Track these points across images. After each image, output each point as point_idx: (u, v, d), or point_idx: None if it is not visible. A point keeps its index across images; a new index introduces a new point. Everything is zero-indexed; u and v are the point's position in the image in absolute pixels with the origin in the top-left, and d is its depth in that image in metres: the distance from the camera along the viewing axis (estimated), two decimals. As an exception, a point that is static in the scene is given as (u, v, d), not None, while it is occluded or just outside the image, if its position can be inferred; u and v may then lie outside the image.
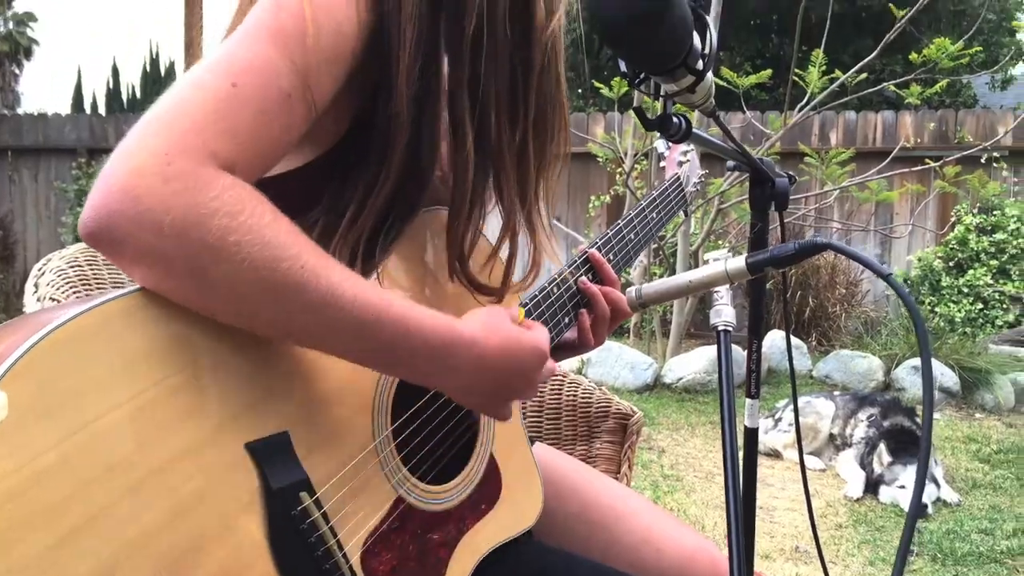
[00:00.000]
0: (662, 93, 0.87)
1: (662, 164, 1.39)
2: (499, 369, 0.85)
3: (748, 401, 1.34)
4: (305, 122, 0.78)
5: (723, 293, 0.94)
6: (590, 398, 1.38)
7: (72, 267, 1.22)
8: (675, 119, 0.88)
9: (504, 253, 1.00)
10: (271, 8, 0.76)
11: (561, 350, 1.18)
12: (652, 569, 1.16)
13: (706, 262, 0.97)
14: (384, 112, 0.85)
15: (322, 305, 0.72)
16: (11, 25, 28.14)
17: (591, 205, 7.52)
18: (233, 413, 0.73)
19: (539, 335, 0.89)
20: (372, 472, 0.87)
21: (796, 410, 1.37)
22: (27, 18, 28.32)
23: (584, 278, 1.12)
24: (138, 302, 0.69)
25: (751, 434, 1.36)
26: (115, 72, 13.31)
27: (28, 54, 29.19)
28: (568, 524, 1.18)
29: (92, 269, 1.25)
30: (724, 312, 0.92)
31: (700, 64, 0.84)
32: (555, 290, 1.09)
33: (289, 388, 0.79)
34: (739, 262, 0.94)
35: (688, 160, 1.38)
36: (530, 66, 0.89)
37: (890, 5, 4.63)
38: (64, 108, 13.07)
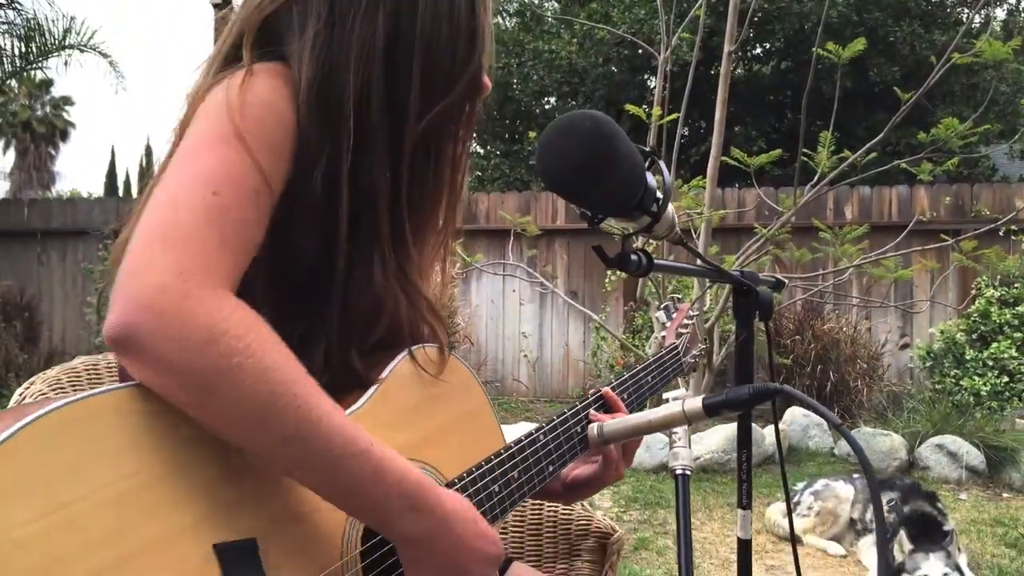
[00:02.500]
0: (620, 232, 0.90)
1: (662, 334, 1.43)
2: (462, 550, 0.86)
3: (740, 512, 1.32)
4: (268, 215, 0.83)
5: (681, 434, 0.94)
6: (570, 515, 1.37)
7: (54, 389, 1.25)
8: (634, 256, 0.90)
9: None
10: (222, 112, 0.82)
11: (580, 487, 1.19)
12: None
13: (666, 400, 0.98)
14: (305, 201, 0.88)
15: (308, 435, 0.75)
16: (48, 109, 29.18)
17: (607, 281, 7.54)
18: (208, 511, 0.76)
19: (498, 544, 0.90)
20: None
21: (790, 507, 1.35)
22: (64, 102, 29.41)
23: (593, 411, 1.16)
24: (128, 397, 0.74)
25: (744, 545, 1.34)
26: (148, 151, 13.74)
27: (64, 136, 30.22)
28: None
29: (76, 389, 1.28)
30: (681, 455, 0.92)
31: (655, 206, 0.86)
32: (560, 424, 1.10)
33: (264, 495, 0.81)
34: (696, 403, 0.94)
35: (688, 331, 1.41)
36: (400, 159, 0.91)
37: (895, 88, 4.69)
38: (98, 186, 13.42)
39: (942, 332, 7.25)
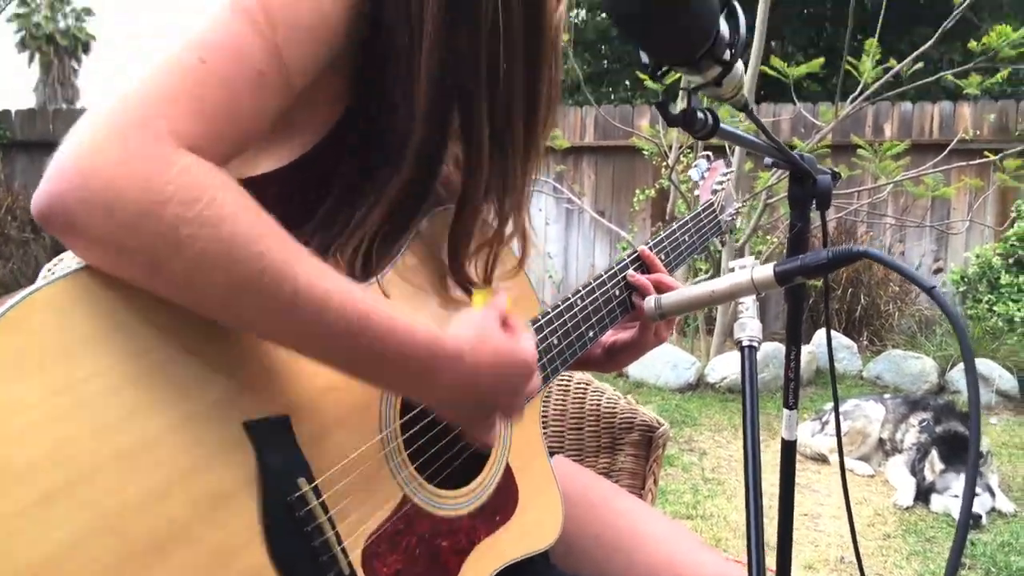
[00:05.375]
0: (684, 86, 0.80)
1: (696, 192, 1.33)
2: (485, 385, 0.80)
3: (786, 412, 1.26)
4: (280, 103, 0.73)
5: (748, 305, 0.87)
6: (614, 408, 1.31)
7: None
8: (700, 114, 0.81)
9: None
10: None
11: (619, 352, 1.15)
12: None
13: (731, 270, 0.90)
14: (387, 110, 0.80)
15: (287, 308, 0.67)
16: (71, 20, 28.89)
17: (636, 199, 7.40)
18: (233, 390, 0.70)
19: (528, 347, 0.84)
20: (377, 466, 0.82)
21: (838, 418, 1.29)
22: (85, 12, 29.08)
23: (633, 272, 1.11)
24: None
25: (788, 447, 1.28)
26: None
27: (87, 49, 30.00)
28: (585, 548, 1.12)
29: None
30: (749, 326, 0.85)
31: (728, 54, 0.77)
32: (598, 287, 1.05)
33: (293, 372, 0.75)
34: (766, 271, 0.86)
35: (723, 188, 1.32)
36: (541, 57, 0.83)
37: (947, -8, 4.45)
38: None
39: (977, 256, 7.08)
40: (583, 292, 1.05)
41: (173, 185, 0.62)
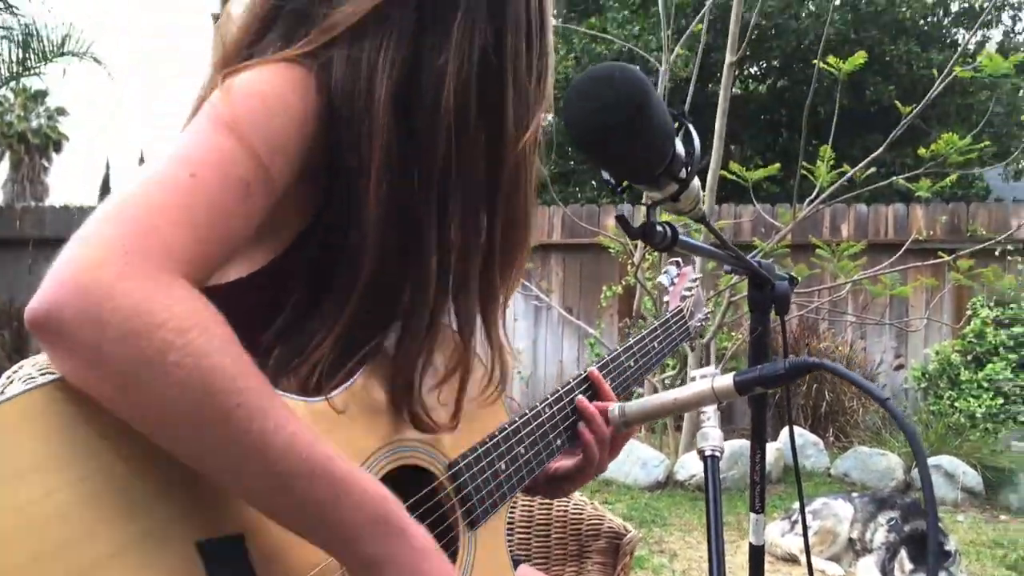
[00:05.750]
0: (645, 201, 0.84)
1: (666, 298, 1.37)
2: (419, 568, 0.76)
3: (753, 517, 1.26)
4: (264, 209, 0.76)
5: (710, 414, 0.88)
6: (581, 514, 1.30)
7: (43, 373, 1.18)
8: (659, 228, 0.85)
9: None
10: (223, 98, 0.75)
11: (562, 480, 1.12)
12: None
13: (692, 379, 0.92)
14: (342, 227, 0.81)
15: (249, 451, 0.67)
16: (43, 120, 29.14)
17: (603, 296, 7.49)
18: (187, 508, 0.69)
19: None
20: None
21: (804, 521, 1.29)
22: (58, 112, 29.37)
23: (581, 396, 1.07)
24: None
25: (756, 552, 1.28)
26: (142, 162, 13.68)
27: (58, 148, 30.16)
28: None
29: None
30: (711, 435, 0.86)
31: (684, 172, 0.81)
32: (547, 409, 1.03)
33: None
34: (727, 381, 0.89)
35: (692, 294, 1.35)
36: (498, 201, 0.86)
37: (895, 103, 4.67)
38: (91, 199, 13.36)
39: (937, 353, 7.21)
40: (551, 399, 1.04)
41: (169, 311, 0.63)
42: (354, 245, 0.81)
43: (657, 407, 0.97)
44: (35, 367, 1.26)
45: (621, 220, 0.82)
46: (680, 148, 0.81)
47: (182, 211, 0.68)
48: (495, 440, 0.97)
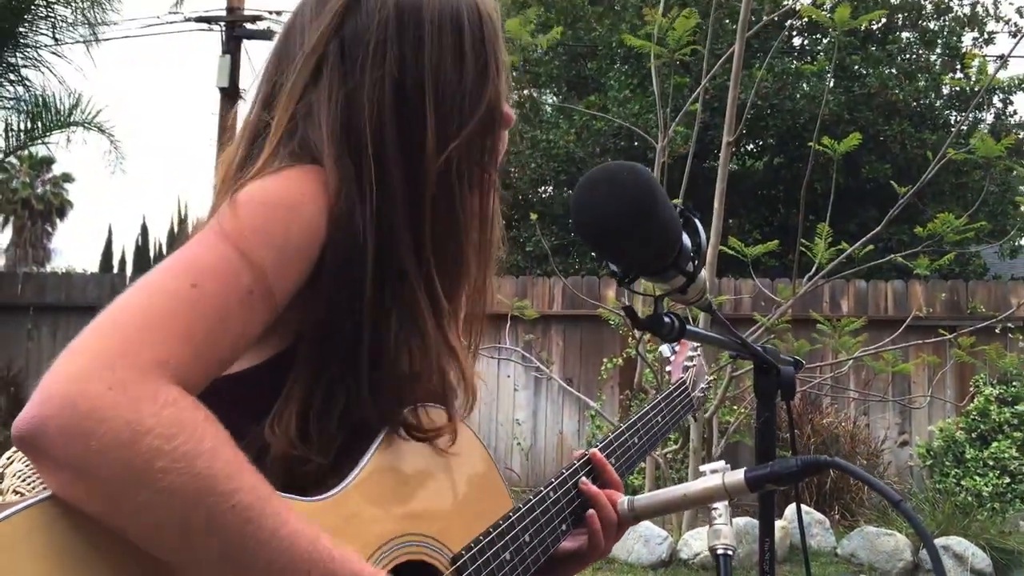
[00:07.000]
0: (653, 293, 0.85)
1: (668, 368, 1.37)
2: None
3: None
4: (266, 319, 0.76)
5: (721, 511, 0.87)
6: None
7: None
8: (667, 318, 0.85)
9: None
10: (231, 210, 0.76)
11: (564, 563, 1.09)
12: None
13: (703, 474, 0.91)
14: (345, 317, 0.81)
15: (248, 551, 0.66)
16: (48, 187, 29.50)
17: (603, 368, 7.47)
18: None
19: None
20: None
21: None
22: (64, 179, 29.76)
23: (585, 480, 1.06)
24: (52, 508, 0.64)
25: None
26: (144, 230, 13.86)
27: (62, 214, 30.45)
28: None
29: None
30: (723, 533, 0.85)
31: (691, 265, 0.82)
32: (551, 494, 1.02)
33: None
34: (738, 477, 0.88)
35: (694, 365, 1.35)
36: (421, 197, 0.85)
37: (891, 183, 4.75)
38: (93, 264, 13.42)
39: (941, 430, 7.15)
40: (555, 483, 1.02)
41: (156, 418, 0.63)
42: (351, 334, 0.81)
43: (667, 502, 0.95)
44: (23, 461, 1.24)
45: (629, 312, 0.83)
46: (687, 241, 0.82)
47: (180, 322, 0.68)
48: (500, 529, 0.96)
